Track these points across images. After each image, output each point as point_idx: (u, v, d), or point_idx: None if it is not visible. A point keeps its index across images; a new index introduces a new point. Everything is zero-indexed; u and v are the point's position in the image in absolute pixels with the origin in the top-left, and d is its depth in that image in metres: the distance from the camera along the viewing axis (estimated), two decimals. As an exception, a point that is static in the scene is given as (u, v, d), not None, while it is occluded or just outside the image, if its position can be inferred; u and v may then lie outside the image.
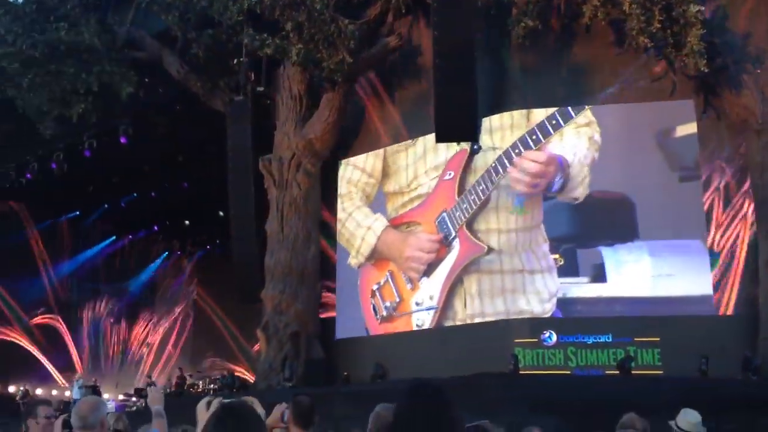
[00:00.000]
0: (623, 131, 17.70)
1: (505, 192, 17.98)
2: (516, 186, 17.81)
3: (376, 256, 20.15)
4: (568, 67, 18.22)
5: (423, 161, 19.62)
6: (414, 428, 2.21)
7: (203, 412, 2.38)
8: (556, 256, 17.48)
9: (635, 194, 17.34)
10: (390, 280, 19.67)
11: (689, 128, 17.38)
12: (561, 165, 17.60)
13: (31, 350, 27.82)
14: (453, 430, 2.24)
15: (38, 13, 19.15)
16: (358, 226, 20.66)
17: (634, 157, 17.44)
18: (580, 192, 17.49)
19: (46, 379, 27.81)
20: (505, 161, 18.10)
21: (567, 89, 18.20)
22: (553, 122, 17.89)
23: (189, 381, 25.54)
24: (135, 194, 28.18)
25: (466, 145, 18.66)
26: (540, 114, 18.05)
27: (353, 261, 20.60)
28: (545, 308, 17.31)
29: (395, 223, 19.94)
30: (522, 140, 18.00)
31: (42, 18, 19.05)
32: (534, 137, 17.94)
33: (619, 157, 17.56)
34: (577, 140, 17.77)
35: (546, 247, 17.56)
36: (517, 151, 17.97)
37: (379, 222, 20.24)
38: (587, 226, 17.77)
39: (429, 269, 18.98)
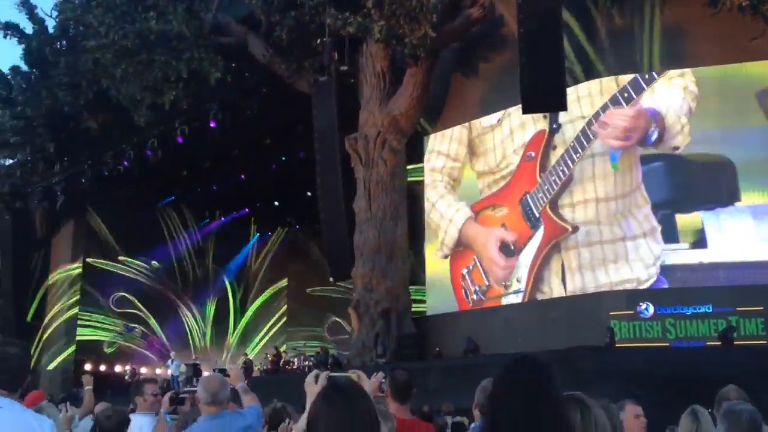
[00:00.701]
0: (721, 92, 17.01)
1: (600, 158, 17.64)
2: (608, 142, 17.46)
3: (461, 246, 20.25)
4: (659, 30, 17.58)
5: (510, 140, 19.44)
6: (511, 402, 2.18)
7: (312, 386, 2.41)
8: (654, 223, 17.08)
9: (735, 155, 16.71)
10: (479, 264, 19.67)
11: (792, 85, 16.59)
12: (654, 117, 17.20)
13: (136, 330, 28.96)
14: (552, 404, 2.19)
15: (128, 5, 19.75)
16: (441, 218, 20.78)
17: (733, 118, 16.78)
18: (679, 140, 17.03)
19: (147, 358, 28.90)
20: (582, 139, 17.86)
21: (658, 53, 17.59)
22: (625, 95, 17.59)
23: (284, 358, 26.14)
24: (226, 177, 28.81)
25: (545, 125, 18.44)
26: (627, 80, 17.61)
27: (439, 253, 20.80)
28: (650, 273, 16.88)
29: (480, 206, 19.88)
30: (595, 116, 17.78)
31: (132, 9, 19.64)
32: (592, 127, 17.83)
33: (718, 118, 16.92)
34: (669, 91, 17.33)
35: (647, 208, 17.11)
36: (592, 127, 17.75)
37: (461, 213, 20.26)
38: (685, 190, 17.24)
39: (515, 251, 18.90)
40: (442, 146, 21.16)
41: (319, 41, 18.86)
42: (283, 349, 29.18)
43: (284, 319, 33.90)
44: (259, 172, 27.78)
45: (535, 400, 2.16)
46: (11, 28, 24.73)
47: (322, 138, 18.80)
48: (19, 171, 28.20)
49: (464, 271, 20.02)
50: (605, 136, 17.55)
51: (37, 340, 28.44)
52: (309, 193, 25.71)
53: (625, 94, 17.57)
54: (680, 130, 17.03)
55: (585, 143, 17.85)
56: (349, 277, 19.48)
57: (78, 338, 27.39)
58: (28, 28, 25.46)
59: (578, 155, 17.90)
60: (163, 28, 19.09)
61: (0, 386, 3.05)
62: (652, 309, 16.49)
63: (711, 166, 16.96)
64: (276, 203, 31.77)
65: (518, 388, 2.18)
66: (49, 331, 28.46)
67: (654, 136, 17.13)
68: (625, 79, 17.66)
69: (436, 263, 20.98)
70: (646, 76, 17.53)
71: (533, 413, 2.15)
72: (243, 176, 28.52)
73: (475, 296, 19.77)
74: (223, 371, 4.73)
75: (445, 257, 20.61)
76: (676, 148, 17.07)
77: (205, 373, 25.33)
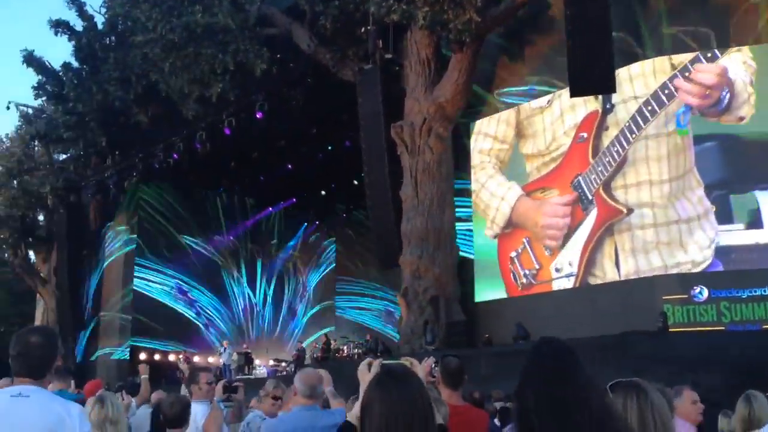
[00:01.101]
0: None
1: (653, 140, 17.30)
2: (686, 98, 17.13)
3: (511, 226, 20.02)
4: (713, 7, 17.17)
5: (561, 121, 19.18)
6: (534, 384, 2.20)
7: (365, 374, 2.43)
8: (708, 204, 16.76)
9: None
10: (528, 247, 19.48)
11: None
12: (728, 79, 16.90)
13: (189, 320, 29.47)
14: (576, 388, 2.17)
15: (175, -1, 20.01)
16: (492, 197, 20.56)
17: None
18: (745, 111, 16.70)
19: (200, 346, 29.35)
20: (639, 119, 17.51)
21: (711, 31, 17.18)
22: (686, 74, 17.23)
23: (334, 346, 26.31)
24: (273, 168, 29.05)
25: (598, 106, 18.15)
26: (685, 58, 17.22)
27: (489, 232, 20.57)
28: (705, 255, 16.60)
29: (530, 189, 19.67)
30: (671, 78, 17.35)
31: (178, 3, 19.89)
32: (649, 107, 17.44)
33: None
34: (730, 63, 17.01)
35: (700, 191, 16.83)
36: (674, 80, 17.29)
37: (513, 191, 20.04)
38: (740, 169, 16.89)
39: (567, 235, 18.65)
40: (489, 128, 20.96)
41: (363, 30, 18.85)
42: (327, 332, 29.36)
43: (333, 307, 34.11)
44: (305, 161, 27.95)
45: (557, 384, 2.18)
46: (62, 26, 25.27)
47: (367, 126, 18.81)
48: (72, 165, 28.87)
49: (513, 254, 19.85)
50: (686, 92, 17.15)
51: (93, 331, 29.15)
52: (356, 182, 25.78)
53: (686, 74, 17.23)
54: (747, 99, 16.72)
55: (642, 123, 17.50)
56: (398, 264, 19.51)
57: (132, 326, 27.96)
58: (78, 25, 26.01)
59: (634, 135, 17.57)
60: (209, 21, 19.29)
61: (25, 375, 3.10)
62: (706, 292, 16.20)
63: (766, 145, 16.56)
64: (323, 192, 31.94)
65: (542, 372, 2.21)
66: (105, 321, 29.10)
67: (725, 101, 16.80)
68: (678, 58, 17.30)
69: (484, 248, 20.83)
70: (709, 55, 17.13)
71: (558, 396, 2.16)
72: (290, 166, 28.71)
73: (524, 280, 19.60)
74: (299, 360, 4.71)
75: (495, 237, 20.46)
76: (742, 118, 16.71)
77: (257, 362, 25.77)
